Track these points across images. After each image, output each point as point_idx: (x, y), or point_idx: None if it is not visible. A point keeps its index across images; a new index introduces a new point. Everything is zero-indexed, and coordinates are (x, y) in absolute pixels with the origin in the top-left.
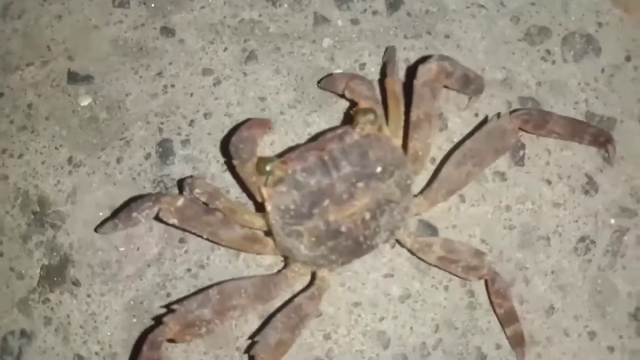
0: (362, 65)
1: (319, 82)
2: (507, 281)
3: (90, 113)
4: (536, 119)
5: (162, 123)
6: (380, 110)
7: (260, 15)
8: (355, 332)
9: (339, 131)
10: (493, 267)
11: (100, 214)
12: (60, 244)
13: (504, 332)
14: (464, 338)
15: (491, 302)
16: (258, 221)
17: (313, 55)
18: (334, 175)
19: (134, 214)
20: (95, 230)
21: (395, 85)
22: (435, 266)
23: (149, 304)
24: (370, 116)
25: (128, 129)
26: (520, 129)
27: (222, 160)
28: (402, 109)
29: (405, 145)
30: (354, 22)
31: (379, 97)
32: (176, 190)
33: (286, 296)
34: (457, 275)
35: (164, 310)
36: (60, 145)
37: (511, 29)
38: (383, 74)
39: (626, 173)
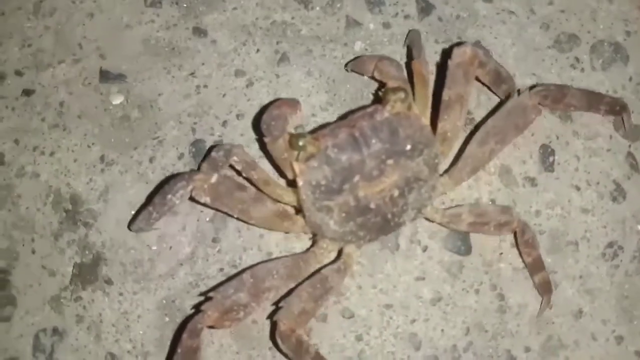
0: None
1: (346, 64)
2: (534, 232)
3: (122, 112)
4: (554, 93)
5: (194, 123)
6: (409, 90)
7: (292, 18)
8: (387, 334)
9: (370, 109)
10: (522, 219)
11: (133, 212)
12: (92, 242)
13: (532, 280)
14: (494, 341)
15: (520, 253)
16: (289, 196)
17: (345, 58)
18: (365, 152)
19: (169, 196)
20: (129, 227)
21: (422, 67)
22: (468, 232)
23: (181, 303)
24: (401, 94)
25: (160, 129)
26: (540, 104)
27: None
28: (429, 90)
29: (434, 127)
30: (386, 25)
31: (406, 78)
32: None
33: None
34: (490, 234)
35: (199, 302)
36: (93, 144)
37: (541, 36)
38: (409, 57)
39: None
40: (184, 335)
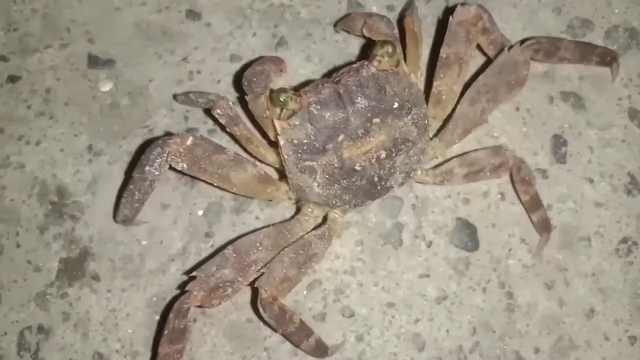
0: None
1: (335, 24)
2: (530, 169)
3: (111, 99)
4: (547, 47)
5: (187, 111)
6: (399, 47)
7: (291, 0)
8: (389, 334)
9: (356, 65)
10: (517, 156)
11: None
12: (79, 236)
13: (530, 219)
14: (501, 341)
15: (516, 191)
16: (272, 156)
17: (346, 43)
18: (349, 109)
19: (147, 168)
20: (114, 218)
21: (415, 25)
22: (465, 183)
23: (172, 301)
24: (388, 48)
25: (151, 117)
26: (532, 59)
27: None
28: (420, 50)
29: (429, 88)
30: (390, 8)
31: (397, 35)
32: None
33: None
34: (487, 180)
35: (183, 282)
36: (80, 133)
37: (553, 21)
38: (402, 16)
39: None
40: (171, 315)
